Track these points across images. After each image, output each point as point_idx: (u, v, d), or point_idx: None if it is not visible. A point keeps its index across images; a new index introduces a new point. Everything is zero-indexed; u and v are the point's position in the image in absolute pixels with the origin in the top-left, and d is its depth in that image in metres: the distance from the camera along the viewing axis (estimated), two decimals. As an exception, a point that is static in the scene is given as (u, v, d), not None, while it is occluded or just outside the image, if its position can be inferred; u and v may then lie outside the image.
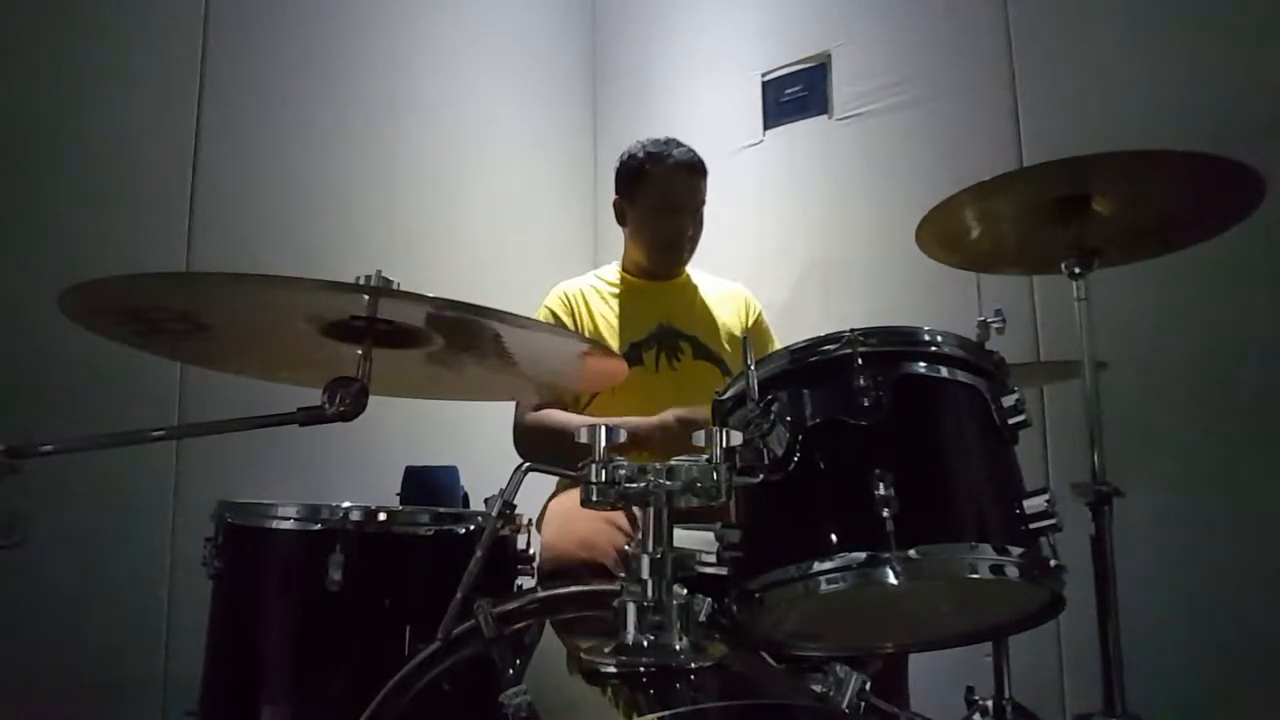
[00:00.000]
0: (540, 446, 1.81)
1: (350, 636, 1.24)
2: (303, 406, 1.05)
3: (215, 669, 1.33)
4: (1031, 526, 0.97)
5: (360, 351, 1.07)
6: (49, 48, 1.91)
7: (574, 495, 0.99)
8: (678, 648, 0.90)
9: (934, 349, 1.05)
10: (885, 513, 0.91)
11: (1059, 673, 2.04)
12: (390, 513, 1.29)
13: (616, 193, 2.09)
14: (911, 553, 0.91)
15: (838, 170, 2.63)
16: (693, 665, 0.89)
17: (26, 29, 1.89)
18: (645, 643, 0.90)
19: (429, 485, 1.70)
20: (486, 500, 1.08)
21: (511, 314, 1.03)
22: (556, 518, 1.74)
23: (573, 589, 1.21)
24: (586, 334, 1.96)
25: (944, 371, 1.04)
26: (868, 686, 0.86)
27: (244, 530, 1.31)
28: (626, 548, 0.96)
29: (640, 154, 2.03)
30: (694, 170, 2.01)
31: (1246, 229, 1.43)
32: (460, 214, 2.73)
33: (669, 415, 1.73)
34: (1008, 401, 1.03)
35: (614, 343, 1.95)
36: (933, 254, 1.60)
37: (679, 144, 2.03)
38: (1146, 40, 2.12)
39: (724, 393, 1.13)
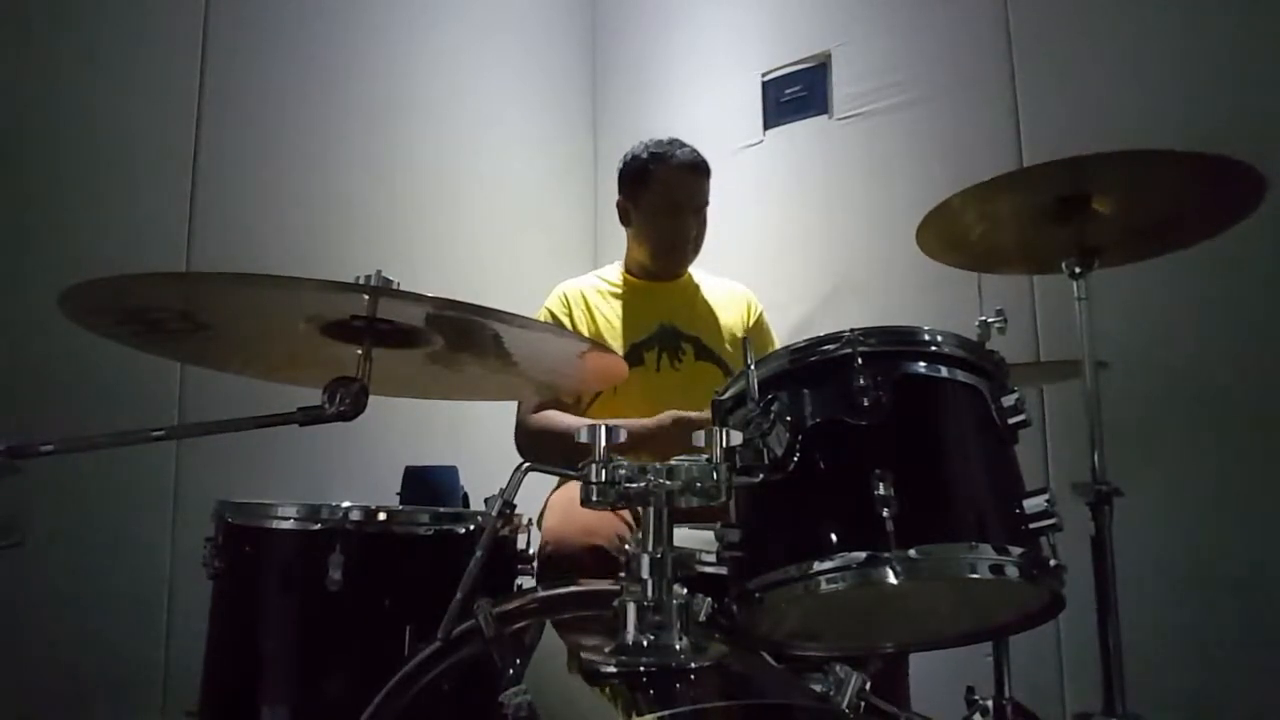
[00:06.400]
0: (543, 449, 1.81)
1: (350, 636, 1.24)
2: (303, 406, 1.05)
3: (215, 669, 1.33)
4: (1031, 526, 0.97)
5: (360, 351, 1.07)
6: (49, 48, 1.92)
7: (575, 486, 0.98)
8: (678, 648, 0.90)
9: (934, 349, 1.05)
10: (885, 512, 0.91)
11: (1059, 673, 2.04)
12: (390, 513, 1.29)
13: (620, 193, 2.09)
14: (911, 552, 0.90)
15: (838, 170, 2.63)
16: (693, 665, 0.89)
17: (27, 29, 1.89)
18: (645, 643, 0.90)
19: (429, 485, 1.70)
20: (486, 500, 1.08)
21: (511, 314, 1.03)
22: (558, 507, 1.75)
23: (573, 589, 1.21)
24: (587, 334, 1.96)
25: (944, 371, 1.04)
26: (868, 686, 0.86)
27: (244, 530, 1.31)
28: (627, 546, 0.96)
29: (644, 154, 2.03)
30: (698, 170, 2.02)
31: (1247, 229, 1.42)
32: (460, 214, 2.73)
33: (667, 417, 1.73)
34: (1008, 401, 1.03)
35: (615, 343, 1.95)
36: (933, 254, 1.60)
37: (682, 144, 2.03)
38: (1146, 40, 2.12)
39: (724, 392, 1.13)
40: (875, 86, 2.57)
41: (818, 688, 0.87)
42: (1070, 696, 2.03)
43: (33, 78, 1.89)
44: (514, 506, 1.09)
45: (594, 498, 0.92)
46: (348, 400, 1.03)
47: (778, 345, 2.04)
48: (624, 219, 2.10)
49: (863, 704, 0.85)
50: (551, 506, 1.80)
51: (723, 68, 2.95)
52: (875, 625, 1.13)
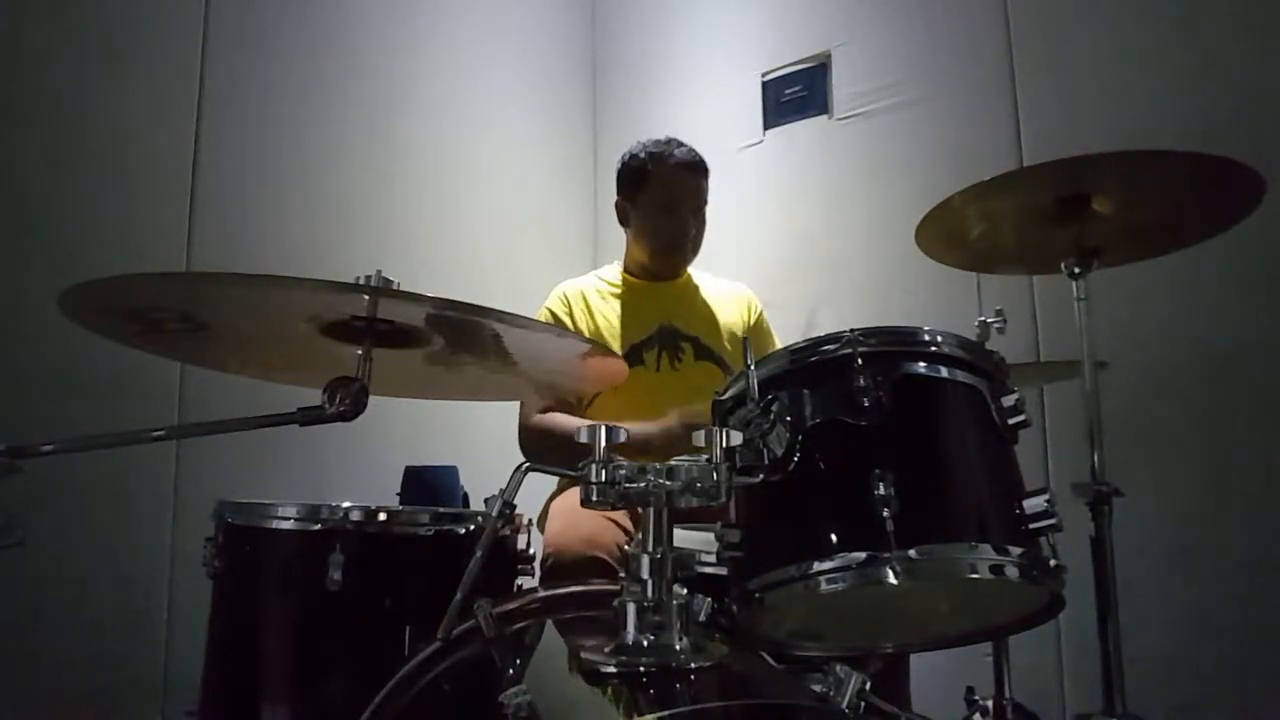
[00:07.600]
0: (545, 451, 1.81)
1: (350, 636, 1.24)
2: (303, 406, 1.05)
3: (215, 669, 1.33)
4: (1031, 526, 0.97)
5: (360, 351, 1.07)
6: (49, 47, 1.91)
7: (576, 493, 0.98)
8: (678, 648, 0.90)
9: (934, 349, 1.05)
10: (885, 513, 0.91)
11: (1059, 673, 2.04)
12: (390, 513, 1.29)
13: (618, 194, 2.09)
14: (911, 553, 0.90)
15: (838, 170, 2.63)
16: (693, 665, 0.89)
17: (27, 28, 1.89)
18: (645, 643, 0.90)
19: (429, 485, 1.69)
20: (486, 500, 1.08)
21: (511, 314, 1.03)
22: (559, 516, 1.74)
23: (573, 589, 1.21)
24: (587, 334, 1.96)
25: (944, 371, 1.04)
26: (868, 686, 0.86)
27: (244, 530, 1.31)
28: (626, 547, 0.96)
29: (641, 154, 2.04)
30: (695, 170, 2.02)
31: (1247, 229, 1.43)
32: (460, 214, 2.73)
33: (673, 419, 1.72)
34: (1008, 401, 1.03)
35: (615, 343, 1.95)
36: (933, 254, 1.60)
37: (680, 144, 2.04)
38: (1146, 40, 2.12)
39: (724, 393, 1.13)
40: (875, 86, 2.57)
41: (818, 688, 0.87)
42: (1070, 696, 2.03)
43: (33, 76, 1.89)
44: (514, 507, 1.09)
45: (594, 498, 0.92)
46: (348, 400, 1.03)
47: (777, 345, 2.05)
48: (622, 219, 2.10)
49: (863, 704, 0.85)
50: (552, 515, 1.80)
51: (723, 67, 2.94)
52: (875, 625, 1.13)
